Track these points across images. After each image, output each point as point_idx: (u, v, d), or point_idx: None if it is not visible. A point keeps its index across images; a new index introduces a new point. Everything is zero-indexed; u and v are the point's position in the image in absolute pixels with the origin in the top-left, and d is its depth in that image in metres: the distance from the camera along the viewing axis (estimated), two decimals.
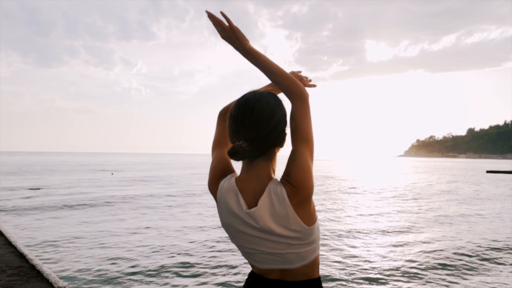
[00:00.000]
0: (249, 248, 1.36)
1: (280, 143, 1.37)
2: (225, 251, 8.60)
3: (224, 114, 1.56)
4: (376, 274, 7.03)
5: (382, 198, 19.83)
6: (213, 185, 1.42)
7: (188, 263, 7.64)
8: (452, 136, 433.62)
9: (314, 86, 1.72)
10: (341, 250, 8.74)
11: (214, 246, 8.94)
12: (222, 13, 1.35)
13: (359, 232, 10.78)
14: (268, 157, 1.35)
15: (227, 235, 9.41)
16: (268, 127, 1.29)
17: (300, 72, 1.70)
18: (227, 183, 1.37)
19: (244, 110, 1.31)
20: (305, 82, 1.70)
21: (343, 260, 7.87)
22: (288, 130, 1.37)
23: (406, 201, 18.55)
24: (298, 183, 1.26)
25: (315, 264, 1.39)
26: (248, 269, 7.36)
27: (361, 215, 14.07)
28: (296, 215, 1.27)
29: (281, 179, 1.31)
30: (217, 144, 1.53)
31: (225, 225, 1.39)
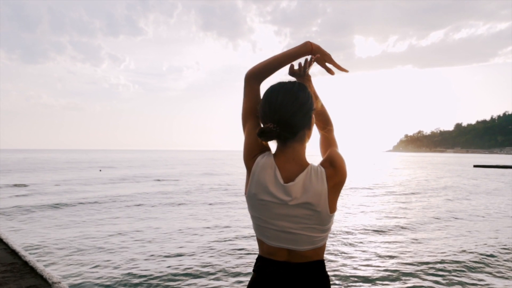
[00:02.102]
0: (265, 221, 1.44)
1: (307, 124, 1.46)
2: (223, 252, 8.48)
3: (251, 78, 1.54)
4: (373, 274, 6.86)
5: (376, 194, 19.64)
6: (250, 160, 1.48)
7: (184, 265, 7.44)
8: (440, 131, 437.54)
9: (346, 71, 1.67)
10: (337, 249, 8.58)
11: (210, 247, 8.75)
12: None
13: (355, 230, 10.56)
14: (300, 141, 1.46)
15: (223, 236, 9.22)
16: (292, 109, 1.39)
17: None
18: (265, 159, 1.45)
19: (270, 97, 1.43)
20: (337, 65, 1.64)
21: (339, 260, 7.75)
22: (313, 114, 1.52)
23: (400, 197, 18.52)
24: (339, 166, 1.43)
25: (321, 249, 1.48)
26: (250, 267, 7.33)
27: (354, 212, 13.90)
28: (327, 198, 1.39)
29: (321, 162, 1.47)
30: (249, 115, 1.54)
31: (252, 195, 1.44)
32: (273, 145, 1.50)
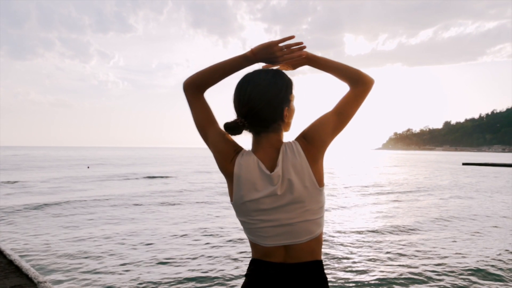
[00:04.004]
0: (261, 220, 1.36)
1: (280, 117, 1.38)
2: (218, 256, 8.25)
3: (188, 89, 1.43)
4: (372, 278, 6.52)
5: (371, 193, 19.05)
6: (229, 164, 1.38)
7: (176, 270, 7.18)
8: (429, 129, 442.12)
9: (301, 54, 1.43)
10: (334, 252, 8.28)
11: (203, 250, 8.55)
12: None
13: (352, 232, 10.04)
14: (274, 131, 1.39)
15: (217, 238, 8.89)
16: (261, 103, 1.33)
17: (291, 38, 1.43)
18: (245, 157, 1.38)
19: (240, 89, 1.38)
20: (293, 55, 1.42)
21: (336, 263, 7.43)
22: (293, 105, 1.44)
23: (397, 197, 18.18)
24: (310, 139, 1.36)
25: (320, 240, 1.41)
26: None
27: (350, 213, 13.41)
28: (310, 170, 1.34)
29: (297, 136, 1.40)
30: (206, 125, 1.43)
31: (240, 197, 1.36)
32: (238, 139, 1.43)
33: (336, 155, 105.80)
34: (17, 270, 4.94)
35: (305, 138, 1.37)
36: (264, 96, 1.33)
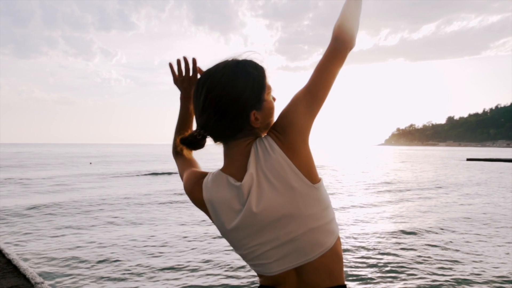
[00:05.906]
0: (256, 245, 1.11)
1: (245, 124, 1.11)
2: (229, 266, 8.03)
3: (175, 156, 1.43)
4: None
5: (379, 192, 18.18)
6: (196, 190, 1.19)
7: (179, 280, 7.01)
8: (432, 124, 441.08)
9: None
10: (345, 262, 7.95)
11: (210, 258, 8.35)
12: None
13: (370, 235, 9.52)
14: (246, 136, 1.14)
15: (223, 242, 8.48)
16: (217, 113, 1.08)
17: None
18: (212, 177, 1.16)
19: (195, 93, 1.14)
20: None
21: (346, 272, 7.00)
22: (271, 101, 1.16)
23: (410, 195, 17.65)
24: (279, 125, 1.10)
25: (336, 254, 1.12)
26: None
27: (362, 213, 12.86)
28: (291, 164, 1.06)
29: (267, 131, 1.16)
30: (185, 172, 1.33)
31: (222, 225, 1.14)
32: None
33: (337, 152, 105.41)
34: (15, 270, 4.82)
35: (275, 129, 1.10)
36: (220, 103, 1.07)
